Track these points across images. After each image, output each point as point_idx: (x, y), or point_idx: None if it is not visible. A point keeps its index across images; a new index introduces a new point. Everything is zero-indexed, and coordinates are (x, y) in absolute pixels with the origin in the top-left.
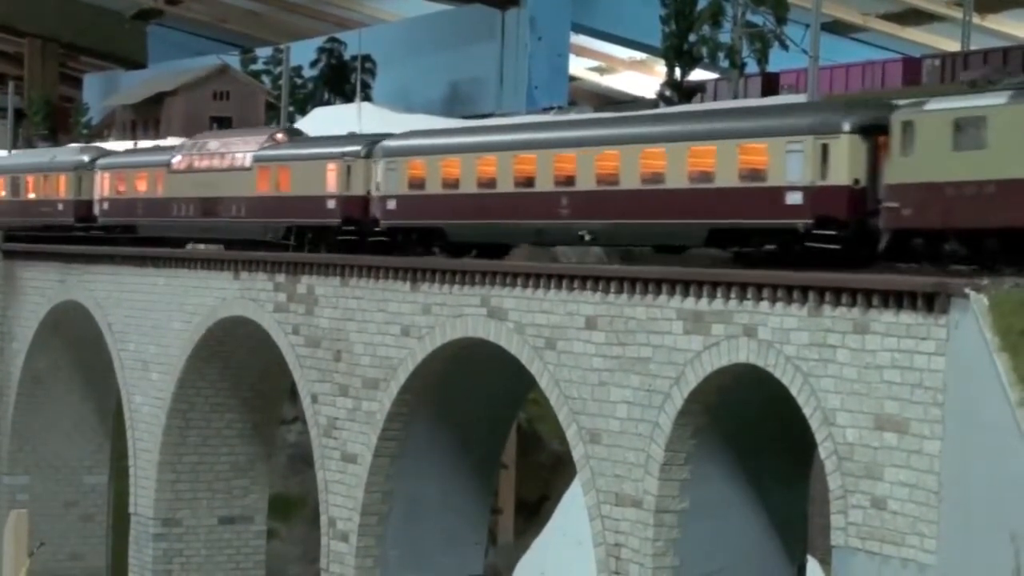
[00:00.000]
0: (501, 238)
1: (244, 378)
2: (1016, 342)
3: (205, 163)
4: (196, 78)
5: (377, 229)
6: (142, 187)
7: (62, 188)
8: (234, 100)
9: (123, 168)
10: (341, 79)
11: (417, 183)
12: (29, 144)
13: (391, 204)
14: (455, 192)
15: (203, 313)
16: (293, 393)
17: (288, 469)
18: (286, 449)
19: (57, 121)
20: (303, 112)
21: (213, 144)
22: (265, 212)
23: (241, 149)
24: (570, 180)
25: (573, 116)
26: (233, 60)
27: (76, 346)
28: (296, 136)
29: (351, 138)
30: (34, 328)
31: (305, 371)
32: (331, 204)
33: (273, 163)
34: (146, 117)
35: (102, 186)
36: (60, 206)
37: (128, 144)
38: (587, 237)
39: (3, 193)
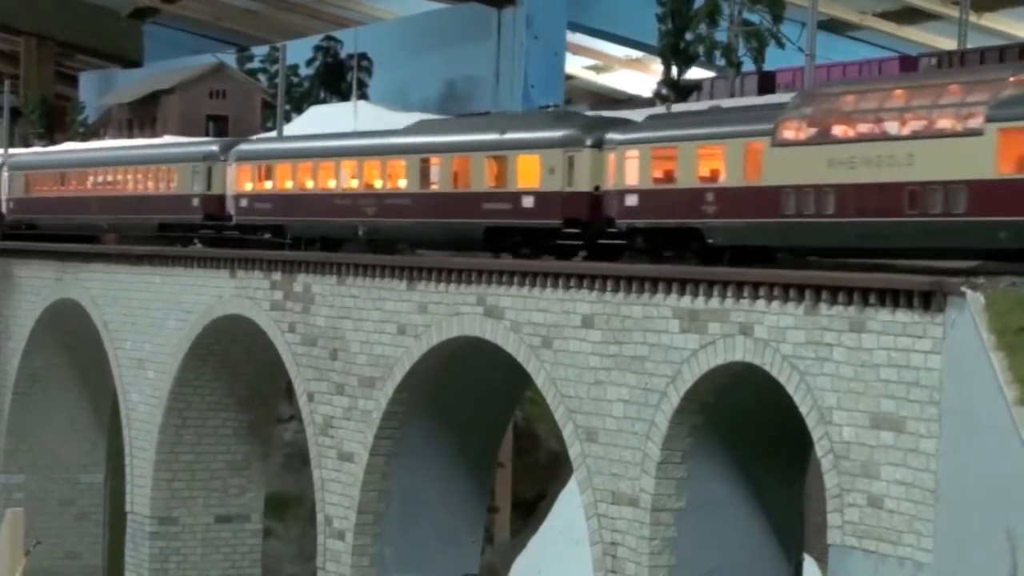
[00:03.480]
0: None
1: (240, 376)
2: (1012, 340)
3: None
4: (192, 77)
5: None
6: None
7: (184, 182)
8: (230, 99)
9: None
10: (337, 78)
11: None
12: (25, 143)
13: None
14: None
15: (199, 311)
16: (289, 392)
17: (284, 468)
18: (282, 448)
19: (53, 120)
20: (299, 111)
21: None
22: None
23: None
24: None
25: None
26: (229, 59)
27: (72, 344)
28: None
29: None
30: (30, 326)
31: (301, 370)
32: None
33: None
34: (142, 116)
35: (239, 179)
36: (194, 202)
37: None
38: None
39: (80, 187)
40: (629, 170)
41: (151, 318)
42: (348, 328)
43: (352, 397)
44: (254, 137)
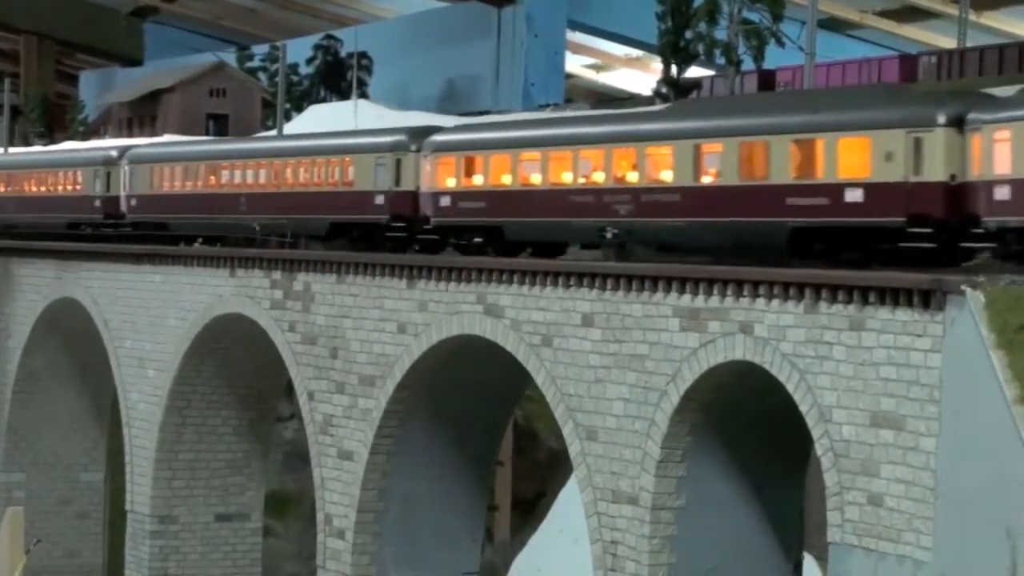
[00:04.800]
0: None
1: (240, 375)
2: (1012, 339)
3: None
4: (193, 75)
5: None
6: None
7: (365, 177)
8: (230, 97)
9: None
10: (337, 76)
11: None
12: (26, 141)
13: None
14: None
15: (199, 310)
16: (289, 390)
17: (284, 466)
18: (282, 446)
19: (53, 118)
20: (299, 110)
21: None
22: None
23: None
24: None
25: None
26: (229, 57)
27: (72, 343)
28: None
29: None
30: (30, 325)
31: (301, 368)
32: None
33: None
34: (142, 114)
35: (438, 174)
36: (377, 199)
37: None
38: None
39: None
40: (1000, 156)
41: (151, 317)
42: (348, 327)
43: (352, 396)
44: (451, 122)
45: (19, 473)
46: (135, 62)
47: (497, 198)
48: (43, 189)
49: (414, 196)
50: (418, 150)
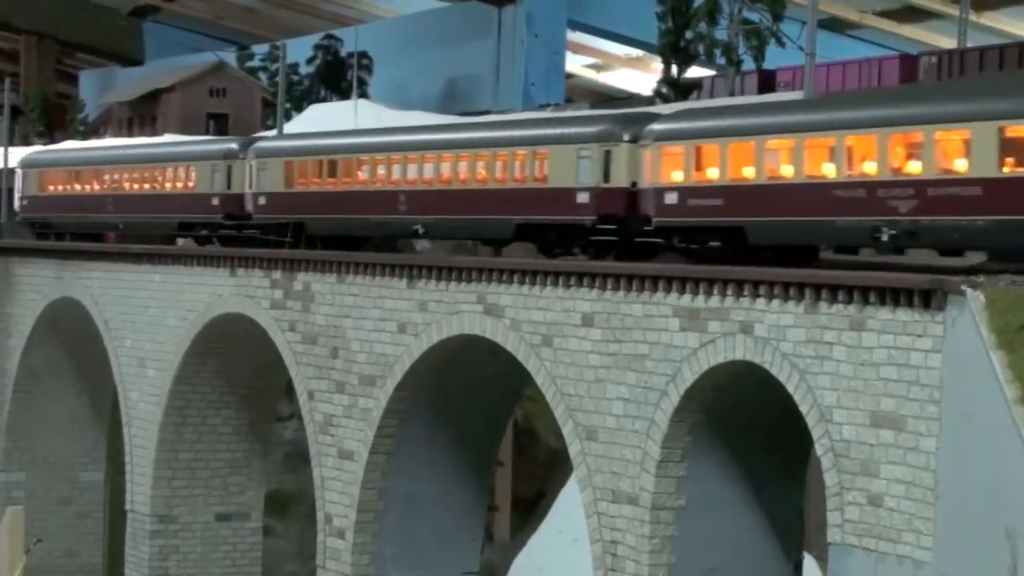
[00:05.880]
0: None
1: (240, 375)
2: (1012, 339)
3: None
4: (193, 75)
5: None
6: None
7: (563, 170)
8: (231, 97)
9: None
10: (338, 76)
11: None
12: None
13: None
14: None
15: (199, 310)
16: (289, 390)
17: (284, 466)
18: (282, 446)
19: (53, 118)
20: (299, 109)
21: None
22: None
23: None
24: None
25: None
26: (229, 57)
27: (72, 343)
28: None
29: None
30: (30, 324)
31: (301, 368)
32: None
33: None
34: (142, 114)
35: (663, 166)
36: (581, 197)
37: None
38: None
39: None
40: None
41: (151, 316)
42: (348, 326)
43: (352, 395)
44: (672, 108)
45: (19, 473)
46: (135, 62)
47: (738, 194)
48: (146, 187)
49: (628, 193)
50: (633, 139)
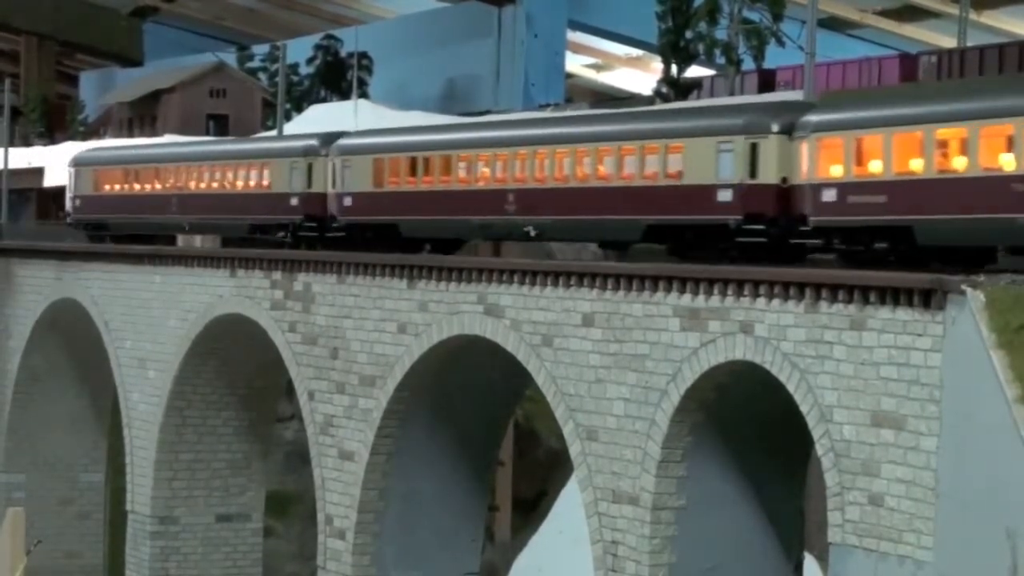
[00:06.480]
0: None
1: (241, 376)
2: (1012, 339)
3: None
4: (193, 75)
5: None
6: None
7: (700, 166)
8: (231, 97)
9: None
10: (338, 76)
11: None
12: (26, 142)
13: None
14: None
15: (199, 311)
16: (290, 390)
17: (285, 467)
18: (283, 447)
19: (53, 119)
20: (299, 110)
21: None
22: None
23: None
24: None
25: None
26: (229, 57)
27: (73, 344)
28: None
29: None
30: (31, 325)
31: (302, 368)
32: None
33: None
34: (143, 114)
35: (820, 160)
36: (721, 195)
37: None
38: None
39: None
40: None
41: (151, 317)
42: (348, 327)
43: (352, 396)
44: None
45: (19, 474)
46: (135, 62)
47: (905, 190)
48: (215, 186)
49: (778, 190)
50: (783, 131)
